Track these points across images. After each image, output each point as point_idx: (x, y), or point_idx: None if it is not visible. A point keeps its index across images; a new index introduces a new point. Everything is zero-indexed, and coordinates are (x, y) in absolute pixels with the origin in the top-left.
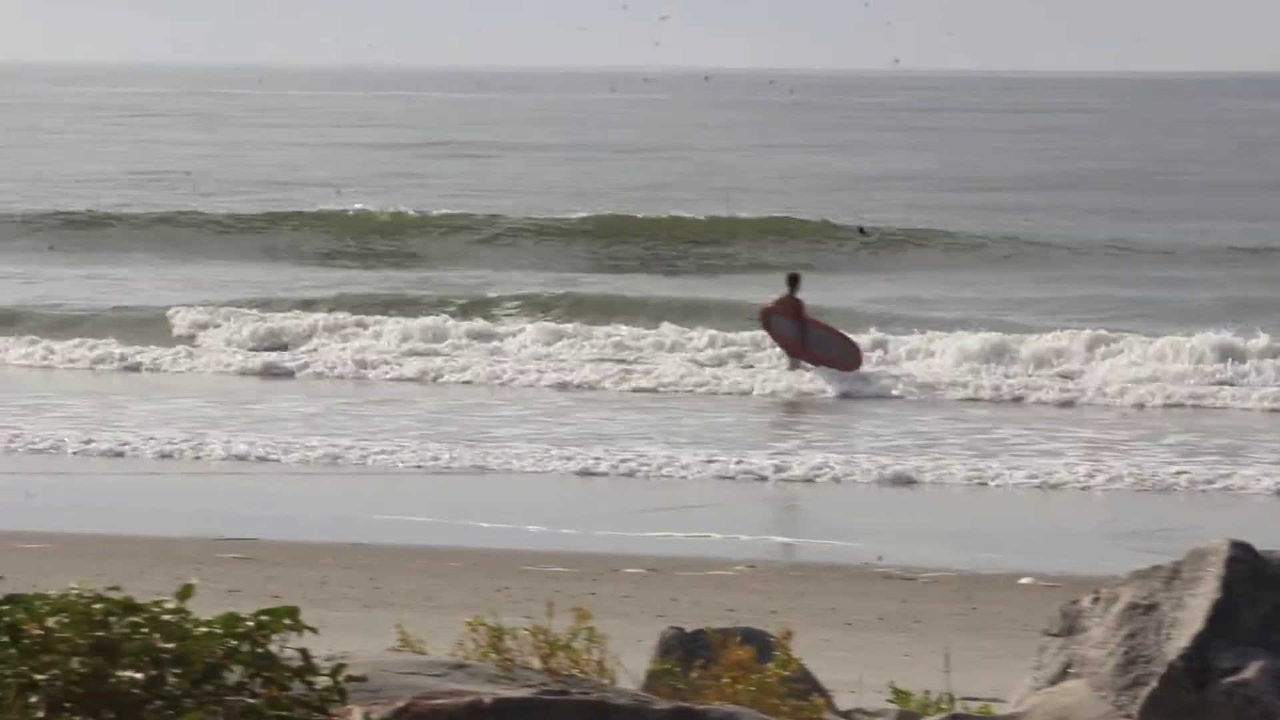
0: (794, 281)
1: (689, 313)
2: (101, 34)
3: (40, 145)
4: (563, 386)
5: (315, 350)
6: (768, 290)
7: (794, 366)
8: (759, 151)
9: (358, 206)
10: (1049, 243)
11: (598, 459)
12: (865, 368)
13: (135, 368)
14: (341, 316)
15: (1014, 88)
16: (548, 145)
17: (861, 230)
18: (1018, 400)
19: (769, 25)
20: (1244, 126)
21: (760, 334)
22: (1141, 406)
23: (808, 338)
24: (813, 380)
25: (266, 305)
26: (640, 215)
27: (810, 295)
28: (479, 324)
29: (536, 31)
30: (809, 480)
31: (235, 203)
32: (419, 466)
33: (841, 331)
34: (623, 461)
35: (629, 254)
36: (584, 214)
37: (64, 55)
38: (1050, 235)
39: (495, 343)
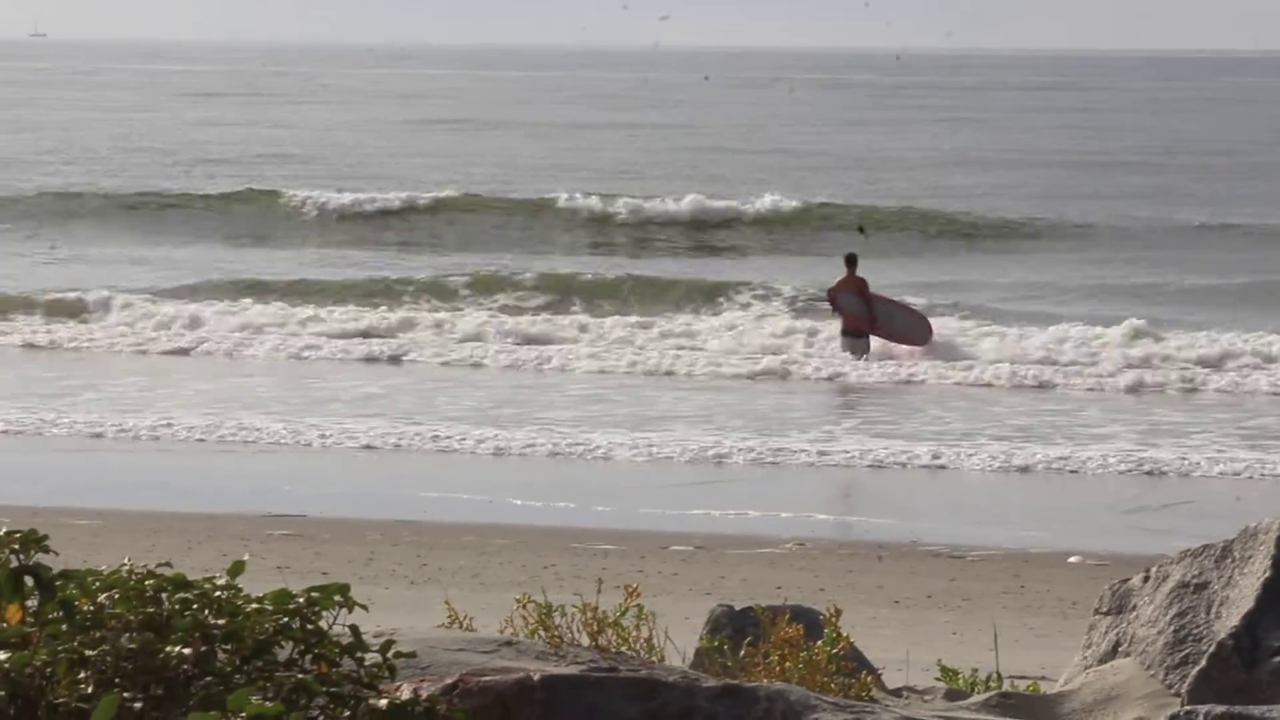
0: (852, 262)
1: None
2: (101, 9)
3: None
4: (629, 371)
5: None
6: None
7: (854, 350)
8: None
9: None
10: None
11: (650, 441)
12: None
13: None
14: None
15: (1018, 66)
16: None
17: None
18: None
19: (768, 27)
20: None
21: (830, 317)
22: None
23: (876, 314)
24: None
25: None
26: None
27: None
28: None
29: (536, 31)
30: (878, 466)
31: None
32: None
33: (909, 305)
34: (676, 442)
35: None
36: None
37: (66, 32)
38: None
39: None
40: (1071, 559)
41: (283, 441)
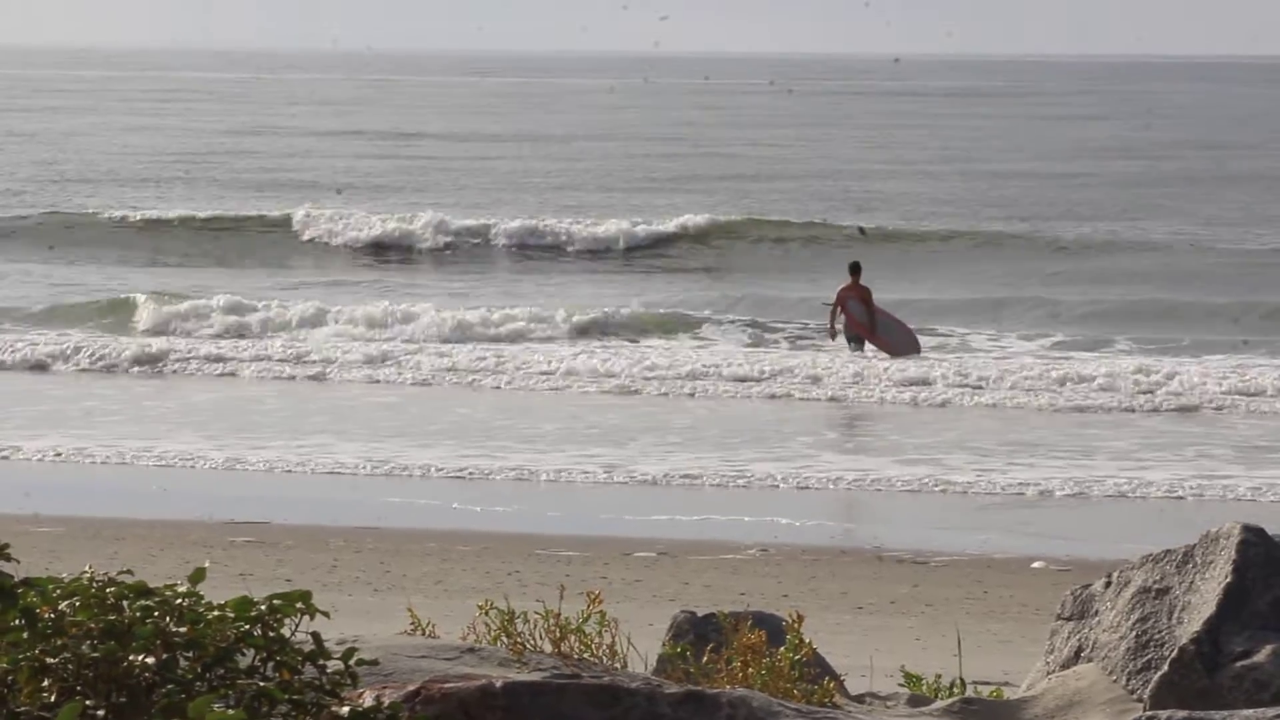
0: (857, 270)
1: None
2: (78, 17)
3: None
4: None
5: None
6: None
7: (857, 348)
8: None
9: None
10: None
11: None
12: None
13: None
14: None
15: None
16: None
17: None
18: None
19: (767, 32)
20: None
21: (831, 321)
22: None
23: (876, 324)
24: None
25: None
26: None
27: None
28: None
29: (537, 32)
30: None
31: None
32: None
33: (903, 321)
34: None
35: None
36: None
37: (35, 39)
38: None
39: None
40: (1035, 564)
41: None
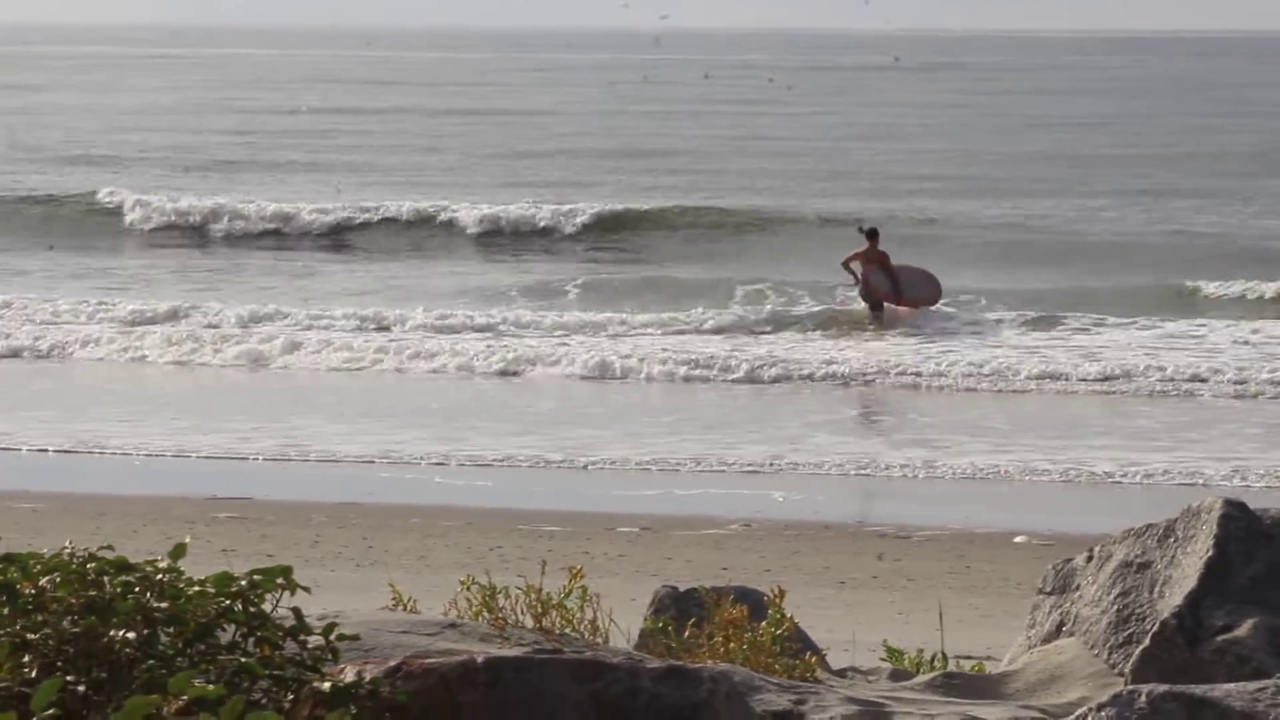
0: (874, 235)
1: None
2: None
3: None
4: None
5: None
6: None
7: (875, 321)
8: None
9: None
10: None
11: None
12: None
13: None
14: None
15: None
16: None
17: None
18: None
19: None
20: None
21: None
22: None
23: (900, 286)
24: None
25: None
26: None
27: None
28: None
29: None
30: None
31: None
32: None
33: (920, 268)
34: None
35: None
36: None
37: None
38: None
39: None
40: (1017, 539)
41: None
